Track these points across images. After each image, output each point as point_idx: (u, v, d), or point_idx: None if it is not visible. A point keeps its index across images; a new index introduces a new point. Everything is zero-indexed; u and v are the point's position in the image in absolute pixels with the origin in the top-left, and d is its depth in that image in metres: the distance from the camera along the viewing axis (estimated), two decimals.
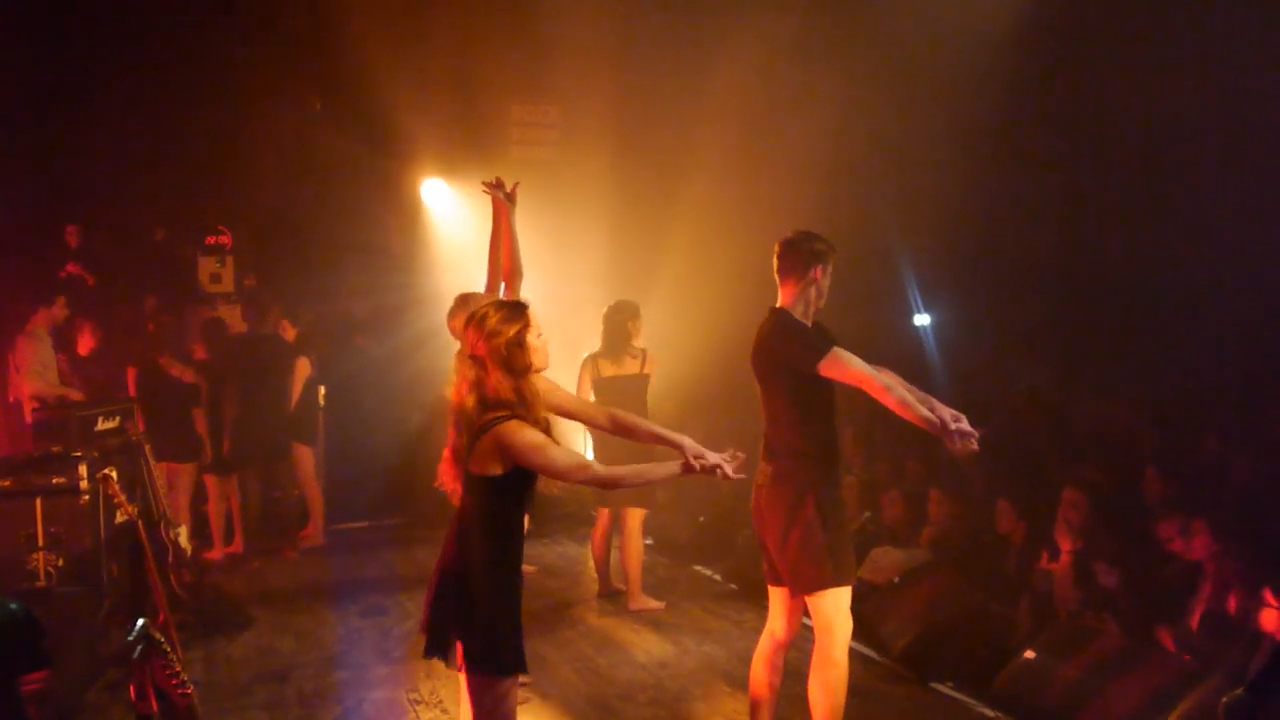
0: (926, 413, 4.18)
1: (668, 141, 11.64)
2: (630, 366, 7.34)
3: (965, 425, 4.15)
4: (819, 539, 4.40)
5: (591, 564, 8.20)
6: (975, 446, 4.16)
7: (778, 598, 4.66)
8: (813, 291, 4.57)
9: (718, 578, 8.33)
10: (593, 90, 12.15)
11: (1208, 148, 10.74)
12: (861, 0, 10.94)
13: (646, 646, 6.75)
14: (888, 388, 4.23)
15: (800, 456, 4.47)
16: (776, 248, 4.66)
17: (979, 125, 11.29)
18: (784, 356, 4.46)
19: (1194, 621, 5.15)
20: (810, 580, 4.44)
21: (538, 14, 11.70)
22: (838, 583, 4.45)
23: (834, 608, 4.45)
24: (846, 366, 4.29)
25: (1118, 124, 11.71)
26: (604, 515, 7.74)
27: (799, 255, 4.57)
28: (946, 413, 4.21)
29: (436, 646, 3.69)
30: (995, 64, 10.89)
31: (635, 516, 7.51)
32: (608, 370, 7.32)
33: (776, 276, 4.65)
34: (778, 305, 4.62)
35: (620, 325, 7.38)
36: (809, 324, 4.55)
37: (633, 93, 11.89)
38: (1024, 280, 12.92)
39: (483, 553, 3.62)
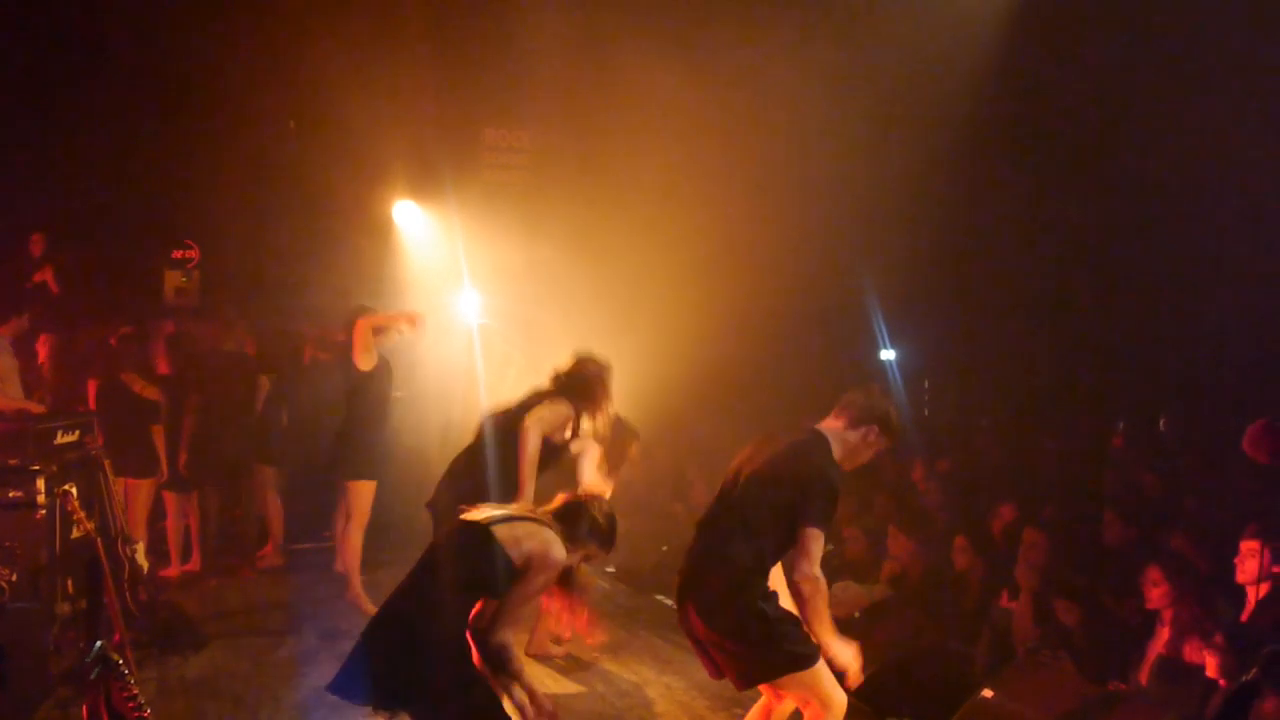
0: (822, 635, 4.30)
1: (638, 170, 11.71)
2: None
3: None
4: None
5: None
6: None
7: None
8: (857, 441, 4.54)
9: None
10: (565, 116, 12.20)
11: (1177, 192, 10.94)
12: (830, 39, 11.07)
13: (606, 676, 6.74)
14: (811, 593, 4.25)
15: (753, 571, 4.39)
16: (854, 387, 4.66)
17: (946, 165, 11.45)
18: (799, 493, 4.35)
19: (1143, 674, 5.20)
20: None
21: (511, 39, 11.75)
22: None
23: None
24: (807, 554, 4.26)
25: (1083, 165, 11.91)
26: None
27: (864, 404, 4.56)
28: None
29: None
30: (963, 105, 11.06)
31: None
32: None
33: (839, 404, 4.61)
34: (822, 426, 4.57)
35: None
36: (839, 473, 4.47)
37: (604, 119, 11.95)
38: (987, 317, 13.10)
39: None
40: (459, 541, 4.15)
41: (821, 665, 4.35)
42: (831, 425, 4.56)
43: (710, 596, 4.38)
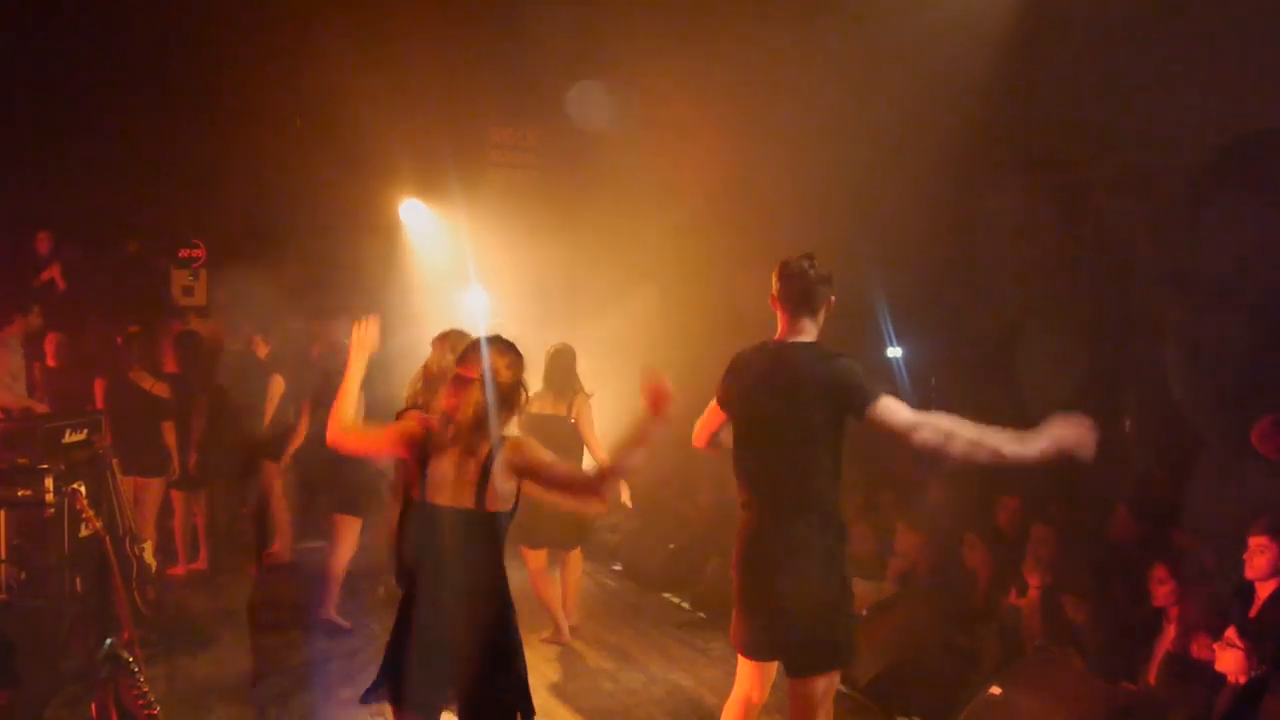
0: (1033, 448, 3.73)
1: (646, 168, 11.69)
2: (560, 408, 6.96)
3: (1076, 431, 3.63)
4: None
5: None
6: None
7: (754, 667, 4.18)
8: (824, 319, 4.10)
9: (686, 605, 8.32)
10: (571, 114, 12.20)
11: (1173, 185, 10.90)
12: (839, 37, 11.04)
13: (614, 674, 6.74)
14: (952, 435, 3.79)
15: (831, 512, 4.02)
16: (779, 273, 4.11)
17: (952, 158, 11.42)
18: (835, 393, 3.96)
19: (1152, 672, 5.19)
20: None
21: (518, 36, 11.74)
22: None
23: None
24: (898, 413, 3.90)
25: (1089, 156, 11.87)
26: (532, 556, 7.10)
27: (811, 284, 4.08)
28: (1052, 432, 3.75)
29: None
30: (966, 98, 11.02)
31: (576, 558, 7.36)
32: (537, 408, 6.88)
33: (782, 307, 4.13)
34: (800, 340, 4.09)
35: (566, 369, 7.05)
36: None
37: (611, 117, 11.94)
38: (994, 313, 13.06)
39: (501, 598, 3.70)
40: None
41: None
42: (804, 333, 4.12)
43: None
